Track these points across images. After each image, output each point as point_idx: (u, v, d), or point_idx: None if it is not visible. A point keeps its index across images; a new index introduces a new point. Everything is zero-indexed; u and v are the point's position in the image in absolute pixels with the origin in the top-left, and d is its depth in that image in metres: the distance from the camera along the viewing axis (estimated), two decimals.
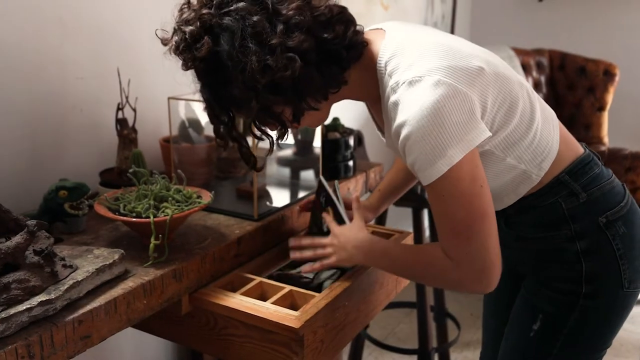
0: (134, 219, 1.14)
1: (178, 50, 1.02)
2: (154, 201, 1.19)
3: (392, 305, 2.43)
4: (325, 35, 0.99)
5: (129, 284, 1.05)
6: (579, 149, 1.16)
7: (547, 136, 1.11)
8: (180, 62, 1.03)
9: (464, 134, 0.95)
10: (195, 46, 0.99)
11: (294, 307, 1.21)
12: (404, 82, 0.98)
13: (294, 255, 1.28)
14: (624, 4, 3.57)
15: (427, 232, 2.30)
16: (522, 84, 1.10)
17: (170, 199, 1.20)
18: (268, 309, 1.15)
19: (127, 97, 1.46)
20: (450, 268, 1.02)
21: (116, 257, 1.07)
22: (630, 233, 1.12)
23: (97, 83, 1.52)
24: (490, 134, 0.99)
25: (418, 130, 0.94)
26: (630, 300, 1.15)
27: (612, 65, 3.27)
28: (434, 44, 1.03)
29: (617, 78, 3.26)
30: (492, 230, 0.99)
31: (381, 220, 2.16)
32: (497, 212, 1.17)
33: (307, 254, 1.26)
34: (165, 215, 1.14)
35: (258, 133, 1.11)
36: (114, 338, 1.08)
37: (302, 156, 1.65)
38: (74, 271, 1.00)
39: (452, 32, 3.67)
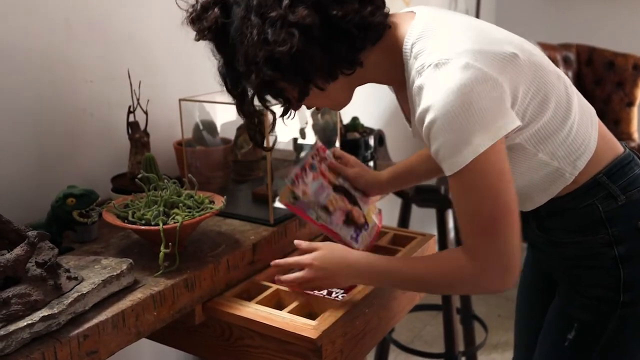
0: (142, 227, 1.09)
1: (190, 20, 1.01)
2: (165, 207, 1.14)
3: (418, 307, 2.35)
4: (334, 12, 0.93)
5: (137, 295, 1.00)
6: (618, 148, 1.08)
7: (584, 133, 1.03)
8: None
9: (492, 121, 0.88)
10: (204, 16, 0.98)
11: (312, 316, 1.15)
12: (429, 65, 0.92)
13: (277, 278, 1.17)
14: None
15: (451, 234, 2.23)
16: (560, 76, 1.03)
17: (180, 205, 1.15)
18: (284, 319, 1.10)
19: (138, 100, 1.42)
20: (470, 270, 0.96)
21: (124, 267, 1.02)
22: None
23: (107, 86, 1.48)
24: (521, 123, 0.93)
25: (444, 115, 0.88)
26: None
27: None
28: (464, 27, 0.98)
29: None
30: (516, 227, 0.93)
31: (404, 222, 2.10)
32: (529, 215, 1.12)
33: (290, 277, 1.14)
34: (175, 222, 1.09)
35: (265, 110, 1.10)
36: (130, 348, 1.04)
37: None
38: (79, 283, 0.96)
39: None
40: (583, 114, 1.05)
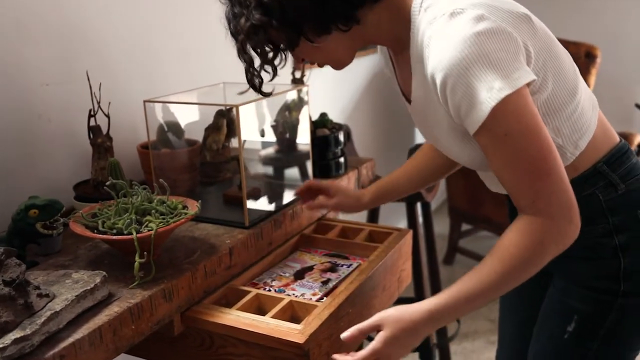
0: (114, 237, 1.03)
1: None
2: (136, 215, 1.09)
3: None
4: None
5: (114, 309, 0.95)
6: (615, 137, 1.08)
7: (587, 113, 1.02)
8: None
9: (510, 71, 0.86)
10: None
11: (295, 320, 1.12)
12: (443, 14, 0.89)
13: None
14: None
15: (421, 229, 2.22)
16: (566, 52, 1.02)
17: (153, 211, 1.10)
18: (268, 324, 1.06)
19: (99, 103, 1.35)
20: (541, 227, 0.90)
21: (98, 280, 0.96)
22: None
23: (64, 89, 1.40)
24: (535, 76, 0.90)
25: (461, 63, 0.86)
26: None
27: (593, 47, 3.22)
28: None
29: (598, 60, 3.22)
30: (561, 164, 0.91)
31: (373, 217, 2.08)
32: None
33: None
34: (149, 230, 1.04)
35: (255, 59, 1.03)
36: None
37: (291, 155, 1.56)
38: (51, 300, 0.90)
39: None
40: (587, 96, 1.04)
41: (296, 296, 1.19)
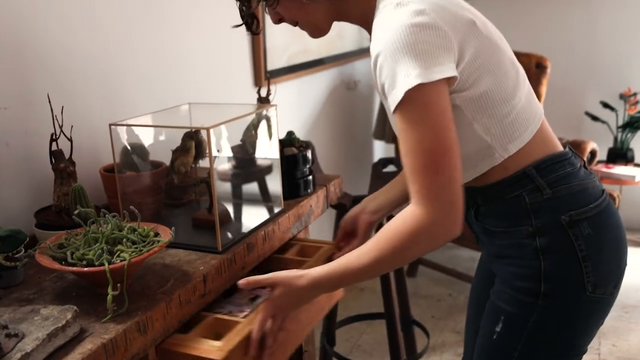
0: (86, 269, 0.99)
1: None
2: (107, 244, 1.04)
3: (355, 318, 2.34)
4: None
5: (87, 346, 0.90)
6: (555, 147, 1.14)
7: (523, 122, 1.09)
8: None
9: (431, 63, 0.94)
10: None
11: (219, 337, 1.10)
12: (390, 4, 1.00)
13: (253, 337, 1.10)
14: (537, 1, 3.66)
15: None
16: (514, 63, 1.10)
17: (124, 240, 1.06)
18: (191, 343, 1.06)
19: (61, 126, 1.30)
20: (420, 216, 0.96)
21: (69, 316, 0.92)
22: (597, 236, 1.08)
23: (24, 112, 1.35)
24: (456, 74, 0.98)
25: (389, 49, 0.95)
26: (597, 307, 1.11)
27: (543, 58, 3.32)
28: None
29: (548, 70, 3.31)
30: (458, 165, 0.97)
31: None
32: (469, 202, 1.15)
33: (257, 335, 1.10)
34: (122, 261, 1.00)
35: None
36: None
37: (259, 175, 1.53)
38: (20, 340, 0.85)
39: None
40: (528, 106, 1.10)
41: (223, 314, 1.19)
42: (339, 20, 1.14)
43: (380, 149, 3.61)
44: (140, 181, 1.45)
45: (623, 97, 3.62)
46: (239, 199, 1.51)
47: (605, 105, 3.59)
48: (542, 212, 1.08)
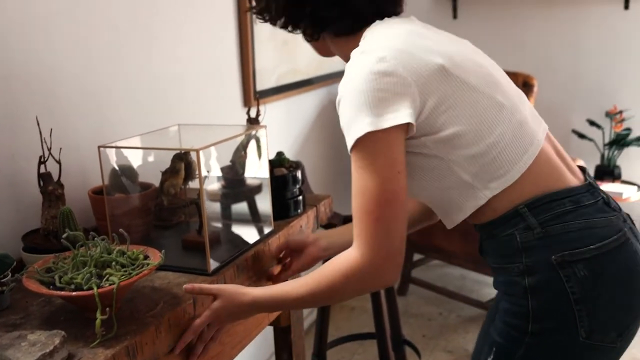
0: (74, 293, 0.98)
1: None
2: (95, 268, 1.03)
3: (344, 339, 2.33)
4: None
5: None
6: (556, 183, 1.09)
7: (507, 159, 1.06)
8: None
9: (384, 111, 0.97)
10: None
11: None
12: (357, 51, 1.05)
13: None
14: (531, 19, 3.71)
15: None
16: (497, 99, 1.07)
17: (113, 263, 1.05)
18: None
19: (49, 149, 1.29)
20: (355, 259, 1.00)
21: (57, 341, 0.91)
22: (596, 279, 1.03)
23: (10, 136, 1.34)
24: (411, 120, 0.99)
25: (349, 94, 1.00)
26: (595, 355, 1.07)
27: (529, 76, 3.36)
28: (405, 31, 1.07)
29: (535, 89, 3.35)
30: (400, 216, 0.99)
31: (330, 257, 2.06)
32: (479, 237, 1.17)
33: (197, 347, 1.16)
34: (111, 284, 0.99)
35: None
36: None
37: (249, 196, 1.53)
38: None
39: None
40: (517, 141, 1.07)
41: None
42: (331, 55, 1.25)
43: None
44: (130, 203, 1.44)
45: (609, 114, 3.66)
46: (229, 220, 1.50)
47: (592, 123, 3.63)
48: (533, 251, 1.05)
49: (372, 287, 1.04)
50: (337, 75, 3.16)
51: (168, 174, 1.36)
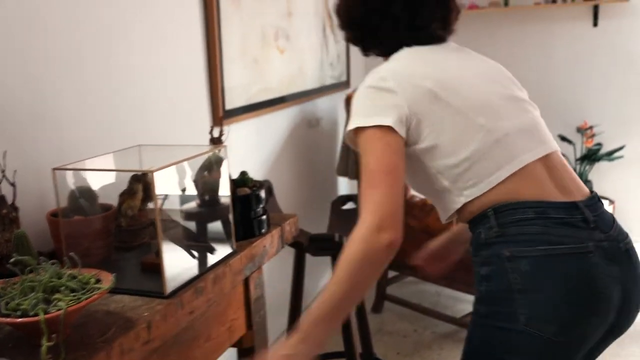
0: (19, 320, 0.96)
1: None
2: (44, 293, 1.02)
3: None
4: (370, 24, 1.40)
5: None
6: (530, 196, 1.23)
7: (478, 173, 1.24)
8: None
9: (372, 114, 1.23)
10: None
11: None
12: (374, 68, 1.32)
13: None
14: (501, 35, 3.77)
15: None
16: (481, 125, 1.25)
17: (63, 288, 1.03)
18: None
19: (3, 171, 1.27)
20: (361, 225, 1.14)
21: None
22: (537, 274, 1.17)
23: None
24: (391, 124, 1.21)
25: (355, 97, 1.30)
26: (535, 344, 1.17)
27: None
28: (413, 58, 1.35)
29: None
30: (395, 185, 1.18)
31: (299, 272, 2.06)
32: None
33: None
34: (59, 310, 0.97)
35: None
36: None
37: (211, 216, 1.52)
38: None
39: (347, 70, 3.67)
40: (488, 160, 1.24)
41: None
42: None
43: (344, 186, 3.63)
44: (89, 225, 1.42)
45: (580, 130, 3.71)
46: (190, 241, 1.49)
47: (563, 138, 3.67)
48: (492, 246, 1.23)
49: (377, 248, 1.12)
50: (310, 93, 3.17)
51: (125, 196, 1.35)
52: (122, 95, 1.79)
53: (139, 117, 1.87)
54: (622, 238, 1.25)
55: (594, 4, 3.64)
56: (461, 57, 1.40)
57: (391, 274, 3.24)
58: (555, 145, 1.33)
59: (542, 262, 1.17)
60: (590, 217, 1.22)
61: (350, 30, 1.45)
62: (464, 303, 3.18)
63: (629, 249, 1.25)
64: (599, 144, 3.74)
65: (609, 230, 1.23)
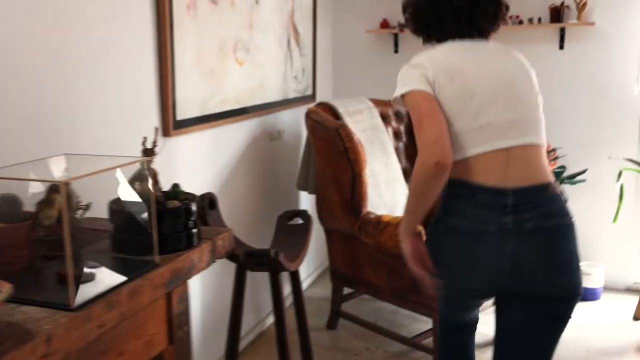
0: None
1: None
2: None
3: None
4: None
5: None
6: (477, 178, 1.65)
7: (462, 142, 1.65)
8: None
9: (410, 83, 1.68)
10: None
11: None
12: (415, 56, 1.78)
13: None
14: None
15: (289, 300, 2.19)
16: (469, 110, 1.66)
17: None
18: None
19: None
20: (419, 156, 1.60)
21: None
22: (445, 236, 1.73)
23: None
24: (424, 88, 1.66)
25: (400, 73, 1.74)
26: (442, 274, 1.73)
27: None
28: (445, 49, 1.76)
29: None
30: (437, 126, 1.60)
31: (240, 287, 2.03)
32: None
33: None
34: None
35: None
36: None
37: (134, 229, 1.49)
38: None
39: (313, 84, 3.68)
40: (465, 138, 1.65)
41: None
42: None
43: (305, 200, 3.61)
44: (11, 233, 1.40)
45: None
46: (109, 254, 1.47)
47: None
48: (442, 204, 1.74)
49: (428, 167, 1.56)
50: (272, 106, 3.16)
51: (42, 205, 1.33)
52: (67, 103, 1.77)
53: (88, 126, 1.85)
54: (541, 220, 1.62)
55: (560, 26, 3.68)
56: (491, 57, 1.76)
57: (346, 290, 3.22)
58: (538, 140, 1.68)
59: (451, 229, 1.70)
60: (510, 202, 1.61)
61: (416, 24, 1.85)
62: (420, 322, 3.16)
63: (536, 228, 1.61)
64: (563, 167, 3.76)
65: (527, 213, 1.61)
